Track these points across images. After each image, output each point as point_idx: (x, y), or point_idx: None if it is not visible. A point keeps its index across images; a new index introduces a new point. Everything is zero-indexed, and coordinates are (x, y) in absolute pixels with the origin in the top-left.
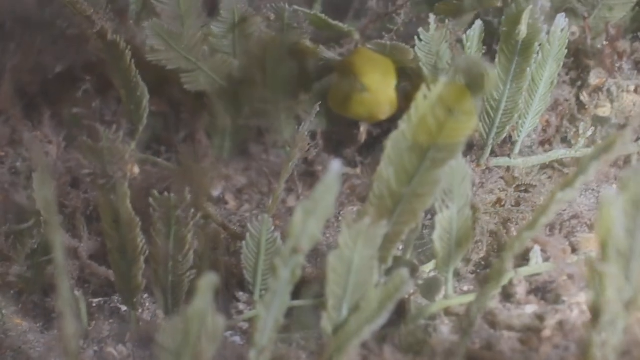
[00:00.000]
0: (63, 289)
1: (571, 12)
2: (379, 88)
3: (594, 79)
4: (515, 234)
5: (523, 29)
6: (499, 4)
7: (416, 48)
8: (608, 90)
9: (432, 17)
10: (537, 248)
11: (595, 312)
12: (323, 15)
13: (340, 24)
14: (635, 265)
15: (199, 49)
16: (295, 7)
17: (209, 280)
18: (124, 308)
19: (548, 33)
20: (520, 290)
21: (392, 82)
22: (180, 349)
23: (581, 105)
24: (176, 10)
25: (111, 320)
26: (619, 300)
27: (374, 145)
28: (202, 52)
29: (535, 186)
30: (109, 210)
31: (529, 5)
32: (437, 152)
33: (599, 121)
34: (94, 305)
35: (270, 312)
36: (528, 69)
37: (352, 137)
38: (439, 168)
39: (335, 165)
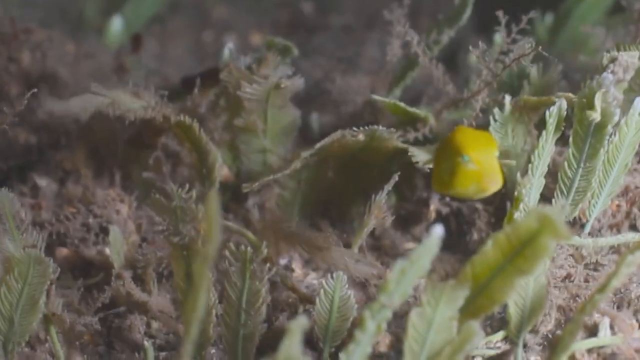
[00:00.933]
0: None
1: None
2: (484, 160)
3: None
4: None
5: (596, 114)
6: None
7: (490, 128)
8: None
9: (507, 98)
10: (606, 320)
11: None
12: (401, 103)
13: (417, 110)
14: None
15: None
16: (375, 96)
17: (299, 323)
18: None
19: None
20: None
21: (495, 153)
22: None
23: None
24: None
25: None
26: None
27: (444, 223)
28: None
29: (604, 265)
30: (181, 267)
31: (601, 89)
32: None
33: None
34: (162, 358)
35: None
36: (601, 150)
37: (421, 215)
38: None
39: (438, 230)
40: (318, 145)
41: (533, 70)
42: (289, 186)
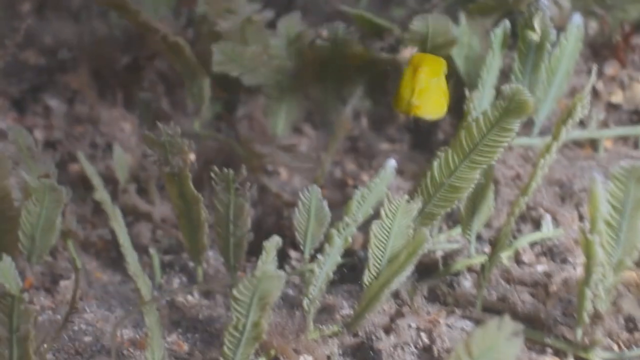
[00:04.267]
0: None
1: (590, 13)
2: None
3: (608, 69)
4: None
5: (535, 35)
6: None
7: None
8: (621, 80)
9: (462, 14)
10: (548, 216)
11: (587, 272)
12: (367, 14)
13: (383, 22)
14: (622, 235)
15: (259, 59)
16: (343, 7)
17: (273, 242)
18: (191, 264)
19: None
20: (527, 255)
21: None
22: (251, 301)
23: (596, 93)
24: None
25: (181, 274)
26: (609, 262)
27: (413, 125)
28: (262, 60)
29: None
30: (174, 189)
31: (539, 13)
32: (477, 155)
33: (611, 107)
34: (166, 261)
35: (322, 269)
36: (542, 64)
37: (393, 117)
38: (476, 170)
39: (391, 162)
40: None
41: None
42: (274, 95)
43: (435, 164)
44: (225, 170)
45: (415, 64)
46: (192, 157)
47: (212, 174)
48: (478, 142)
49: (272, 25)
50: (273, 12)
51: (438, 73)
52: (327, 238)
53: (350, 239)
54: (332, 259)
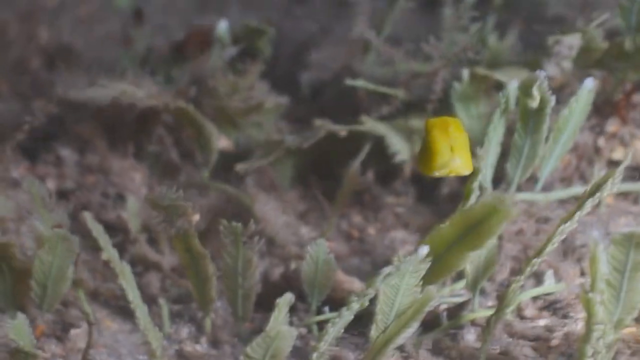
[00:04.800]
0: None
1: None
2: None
3: (610, 126)
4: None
5: (534, 102)
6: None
7: (452, 99)
8: (622, 137)
9: (465, 71)
10: (550, 271)
11: (588, 329)
12: (370, 85)
13: (386, 90)
14: (622, 295)
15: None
16: (349, 80)
17: (286, 299)
18: (200, 314)
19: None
20: (530, 309)
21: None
22: (264, 358)
23: (597, 149)
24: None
25: (189, 324)
26: (609, 320)
27: (418, 179)
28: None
29: (551, 218)
30: (181, 246)
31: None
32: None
33: (612, 163)
34: (175, 311)
35: (335, 328)
36: (543, 125)
37: (398, 171)
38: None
39: (589, 82)
40: (306, 143)
41: (491, 37)
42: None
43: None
44: (234, 223)
45: (442, 124)
46: (196, 217)
47: (221, 227)
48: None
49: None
50: (287, 99)
51: (462, 130)
52: (347, 303)
53: (366, 303)
54: (345, 319)
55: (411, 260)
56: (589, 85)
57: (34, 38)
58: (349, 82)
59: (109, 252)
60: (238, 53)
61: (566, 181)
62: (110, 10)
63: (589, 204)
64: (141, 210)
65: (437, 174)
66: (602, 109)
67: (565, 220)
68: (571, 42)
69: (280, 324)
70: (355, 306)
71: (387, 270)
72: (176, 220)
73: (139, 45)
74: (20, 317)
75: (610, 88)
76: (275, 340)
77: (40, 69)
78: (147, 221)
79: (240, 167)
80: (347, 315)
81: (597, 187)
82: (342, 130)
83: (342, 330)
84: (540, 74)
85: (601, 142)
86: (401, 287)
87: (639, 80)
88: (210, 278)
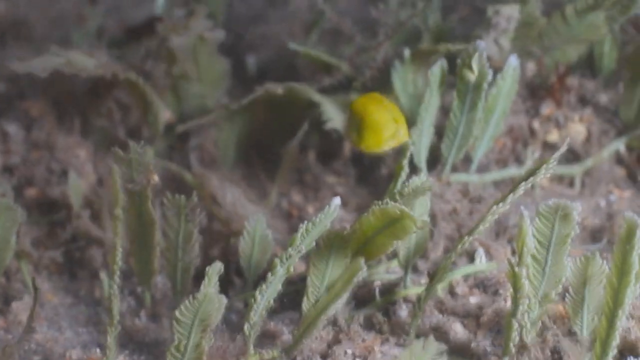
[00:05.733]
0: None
1: (529, 53)
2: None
3: (545, 109)
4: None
5: (472, 75)
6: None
7: (392, 77)
8: (556, 120)
9: (406, 51)
10: (481, 250)
11: (514, 304)
12: (314, 52)
13: (330, 59)
14: (547, 269)
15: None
16: (292, 43)
17: (215, 267)
18: (139, 289)
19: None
20: (461, 287)
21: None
22: (192, 323)
23: (533, 132)
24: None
25: (129, 298)
26: (535, 295)
27: (358, 159)
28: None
29: (485, 198)
30: (133, 209)
31: (476, 53)
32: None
33: (547, 146)
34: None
35: (264, 297)
36: (479, 103)
37: (340, 151)
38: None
39: (336, 200)
40: (245, 100)
41: (432, 17)
42: (225, 128)
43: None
44: (177, 196)
45: (376, 100)
46: (155, 178)
47: (165, 200)
48: None
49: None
50: (224, 32)
51: (392, 102)
52: (270, 267)
53: (292, 269)
54: (273, 286)
55: (325, 212)
56: (514, 62)
57: None
58: (293, 45)
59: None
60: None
61: (501, 163)
62: None
63: (522, 188)
64: (84, 186)
65: (385, 147)
66: (537, 91)
67: (498, 202)
68: (510, 13)
69: (210, 289)
70: (281, 271)
71: (303, 226)
72: (136, 177)
73: (91, 24)
74: None
75: (545, 71)
76: (203, 304)
77: None
78: (90, 197)
79: (180, 127)
80: (274, 281)
81: (532, 172)
82: (279, 90)
83: (273, 303)
84: (480, 44)
85: (536, 124)
86: (330, 258)
87: (572, 63)
88: (155, 248)
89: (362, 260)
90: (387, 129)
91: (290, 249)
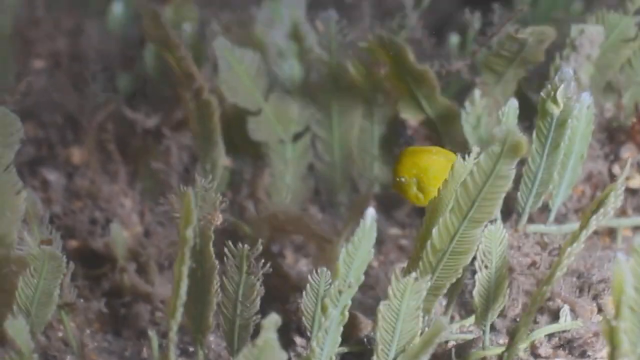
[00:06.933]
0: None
1: (609, 89)
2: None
3: (625, 153)
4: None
5: (556, 108)
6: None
7: (462, 119)
8: (638, 164)
9: (476, 92)
10: (566, 307)
11: None
12: None
13: None
14: None
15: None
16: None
17: (272, 319)
18: (191, 348)
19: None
20: (544, 348)
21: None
22: None
23: (613, 177)
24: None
25: (180, 358)
26: (634, 352)
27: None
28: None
29: None
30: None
31: (562, 83)
32: (477, 213)
33: (629, 192)
34: (164, 345)
35: (323, 350)
36: (562, 143)
37: (402, 200)
38: (478, 228)
39: (370, 212)
40: None
41: None
42: (278, 170)
43: (434, 231)
44: (240, 245)
45: (428, 149)
46: (220, 217)
47: (226, 249)
48: (476, 197)
49: None
50: None
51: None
52: (322, 310)
53: (347, 313)
54: (331, 335)
55: (362, 228)
56: (587, 100)
57: None
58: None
59: None
60: None
61: (581, 212)
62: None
63: (593, 221)
64: (129, 237)
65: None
66: (616, 135)
67: (570, 242)
68: (594, 34)
69: (270, 335)
70: (334, 313)
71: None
72: (200, 215)
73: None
74: (20, 321)
75: (624, 113)
76: (264, 352)
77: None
78: (135, 249)
79: None
80: (331, 328)
81: (600, 203)
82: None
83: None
84: (567, 73)
85: (616, 169)
86: (401, 310)
87: None
88: (212, 299)
89: (445, 320)
90: (447, 170)
91: (337, 283)
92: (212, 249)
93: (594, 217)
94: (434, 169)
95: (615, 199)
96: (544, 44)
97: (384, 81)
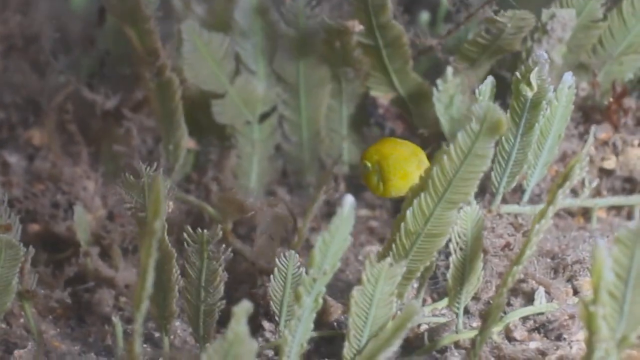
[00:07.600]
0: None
1: (582, 68)
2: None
3: (600, 133)
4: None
5: (530, 90)
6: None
7: (434, 98)
8: (613, 144)
9: (449, 69)
10: (541, 289)
11: (590, 348)
12: None
13: None
14: (626, 308)
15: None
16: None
17: (243, 307)
18: (157, 334)
19: (556, 90)
20: (519, 331)
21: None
22: None
23: (588, 158)
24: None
25: (145, 345)
26: (612, 337)
27: None
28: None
29: None
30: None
31: (536, 66)
32: (453, 193)
33: (604, 173)
34: (129, 331)
35: (295, 337)
36: (536, 124)
37: None
38: (453, 209)
39: (349, 199)
40: None
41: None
42: (245, 152)
43: (408, 212)
44: (199, 230)
45: (389, 142)
46: (171, 205)
47: (185, 235)
48: (452, 177)
49: None
50: None
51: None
52: (295, 298)
53: (320, 300)
54: (304, 324)
55: (340, 216)
56: (569, 80)
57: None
58: None
59: None
60: None
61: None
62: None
63: (560, 195)
64: (93, 221)
65: (413, 182)
66: (592, 114)
67: (539, 219)
68: (567, 18)
69: (240, 328)
70: (308, 301)
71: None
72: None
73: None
74: None
75: (599, 92)
76: (233, 346)
77: None
78: (98, 233)
79: None
80: (303, 316)
81: (566, 177)
82: None
83: (306, 345)
84: (541, 56)
85: (592, 150)
86: (375, 296)
87: (629, 82)
88: (173, 287)
89: (418, 304)
90: (409, 163)
91: (311, 271)
92: (166, 238)
93: (560, 191)
94: (394, 157)
95: (580, 171)
96: (523, 31)
97: (356, 49)
